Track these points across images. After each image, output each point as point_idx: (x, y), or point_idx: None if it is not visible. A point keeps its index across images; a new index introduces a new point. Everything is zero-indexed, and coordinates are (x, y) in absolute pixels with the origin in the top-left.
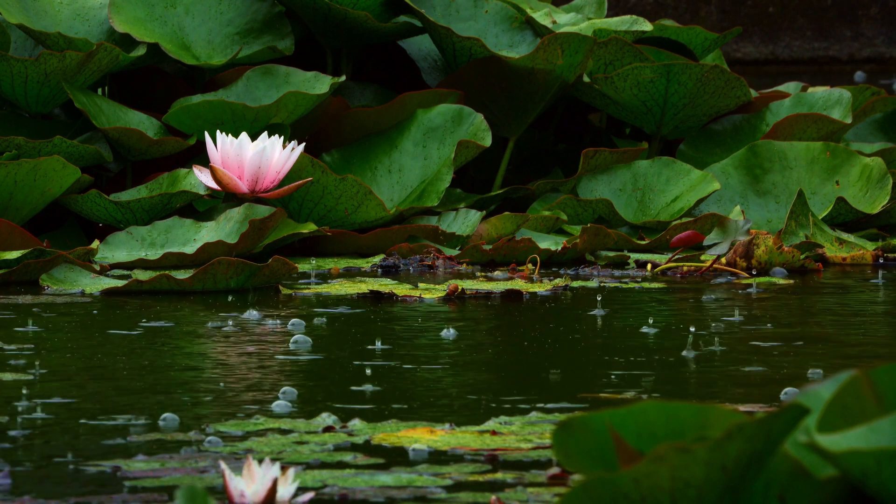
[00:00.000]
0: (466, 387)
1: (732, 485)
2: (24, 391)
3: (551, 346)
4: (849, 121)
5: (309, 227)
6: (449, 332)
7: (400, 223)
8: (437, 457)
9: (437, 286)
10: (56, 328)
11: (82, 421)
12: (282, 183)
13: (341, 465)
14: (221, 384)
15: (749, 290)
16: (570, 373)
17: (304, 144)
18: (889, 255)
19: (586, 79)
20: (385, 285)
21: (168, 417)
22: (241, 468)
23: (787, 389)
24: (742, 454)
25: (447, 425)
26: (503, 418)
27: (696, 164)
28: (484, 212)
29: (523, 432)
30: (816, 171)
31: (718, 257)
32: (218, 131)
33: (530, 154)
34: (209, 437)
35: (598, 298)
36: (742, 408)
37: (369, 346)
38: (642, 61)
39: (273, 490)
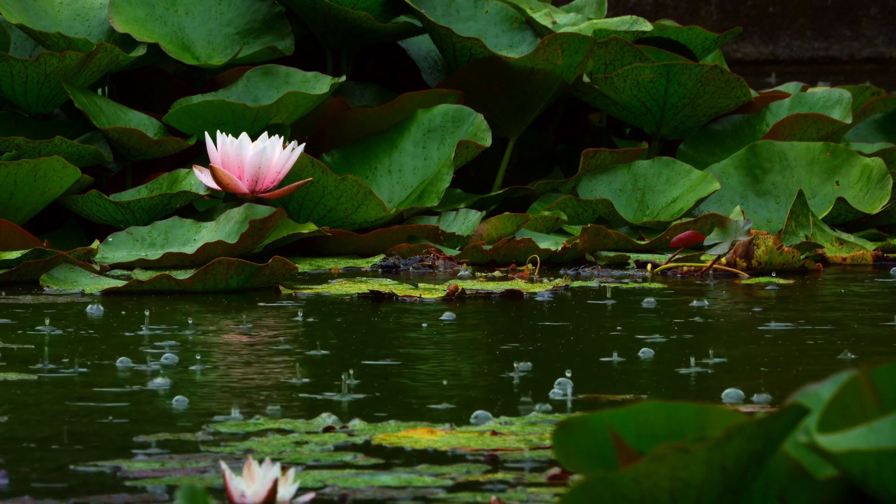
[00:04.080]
0: (467, 386)
1: (732, 485)
2: (25, 391)
3: (552, 345)
4: (849, 121)
5: (309, 228)
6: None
7: (400, 223)
8: (437, 457)
9: (437, 286)
10: (56, 328)
11: (82, 420)
12: (282, 183)
13: (341, 466)
14: (221, 384)
15: (749, 289)
16: (572, 373)
17: (304, 144)
18: (889, 255)
19: (586, 79)
20: (385, 285)
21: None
22: (241, 468)
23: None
24: (742, 454)
25: (447, 425)
26: (503, 418)
27: (696, 164)
28: (484, 212)
29: (523, 432)
30: (816, 171)
31: (718, 257)
32: (218, 131)
33: (530, 154)
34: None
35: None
36: (742, 408)
37: (369, 346)
38: (642, 61)
39: (273, 490)
